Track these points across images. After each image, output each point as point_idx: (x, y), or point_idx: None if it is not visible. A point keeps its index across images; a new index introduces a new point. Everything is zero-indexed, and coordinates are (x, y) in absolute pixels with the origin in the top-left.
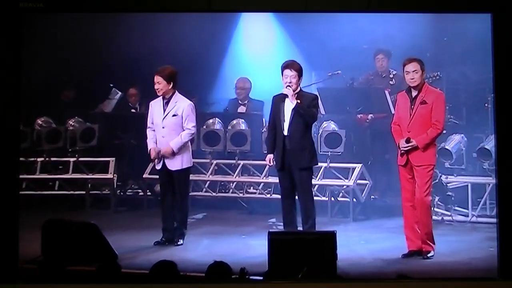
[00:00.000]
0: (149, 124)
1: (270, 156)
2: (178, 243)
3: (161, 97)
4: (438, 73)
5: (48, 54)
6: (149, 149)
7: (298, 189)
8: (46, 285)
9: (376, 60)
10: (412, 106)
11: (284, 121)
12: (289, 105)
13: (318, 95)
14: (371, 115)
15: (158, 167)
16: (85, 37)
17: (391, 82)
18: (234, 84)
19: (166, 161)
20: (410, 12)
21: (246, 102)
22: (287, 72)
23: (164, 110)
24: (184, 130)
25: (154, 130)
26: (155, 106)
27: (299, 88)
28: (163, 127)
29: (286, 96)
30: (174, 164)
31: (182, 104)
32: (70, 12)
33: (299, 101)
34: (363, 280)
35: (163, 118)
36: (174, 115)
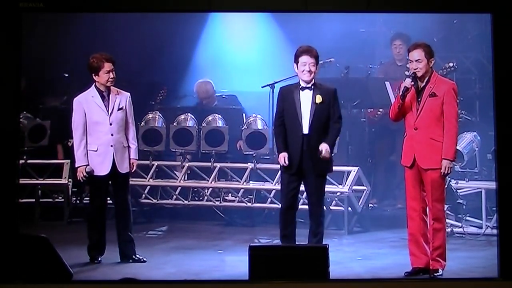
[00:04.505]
0: (77, 126)
1: (284, 154)
2: (144, 259)
3: (94, 90)
4: (454, 63)
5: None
6: (80, 165)
7: (312, 198)
8: (46, 285)
9: (392, 46)
10: (419, 99)
11: (302, 117)
12: (306, 98)
13: None
14: (381, 109)
15: (105, 172)
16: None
17: (406, 73)
18: (194, 90)
19: (117, 163)
20: (410, 12)
21: (214, 104)
22: (307, 59)
23: (107, 105)
24: (127, 125)
25: (83, 133)
26: (89, 102)
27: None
28: (110, 124)
29: (300, 87)
30: (124, 167)
31: (123, 95)
32: (70, 12)
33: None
34: (360, 281)
35: (110, 114)
36: (120, 109)
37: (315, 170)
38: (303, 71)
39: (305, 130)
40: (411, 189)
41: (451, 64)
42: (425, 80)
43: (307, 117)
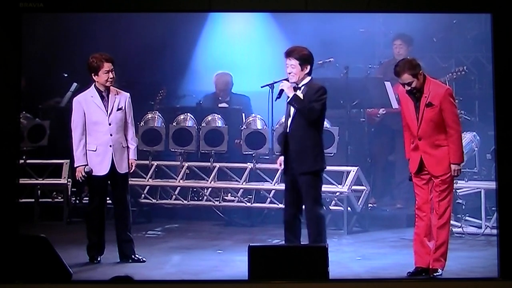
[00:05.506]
0: (77, 125)
1: (281, 158)
2: (143, 259)
3: (94, 90)
4: (464, 67)
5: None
6: (80, 165)
7: (303, 198)
8: (46, 285)
9: (393, 46)
10: (418, 110)
11: (289, 116)
12: None
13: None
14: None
15: (104, 172)
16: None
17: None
18: (213, 81)
19: (116, 163)
20: (410, 12)
21: (227, 99)
22: (287, 61)
23: (106, 105)
24: (126, 125)
25: (82, 133)
26: (88, 102)
27: (308, 78)
28: (109, 124)
29: (294, 88)
30: (123, 167)
31: (123, 96)
32: (70, 12)
33: (297, 93)
34: (359, 281)
35: (109, 114)
36: (119, 109)
37: (300, 169)
38: (287, 73)
39: (288, 129)
40: (420, 192)
41: (461, 69)
42: (420, 91)
43: (291, 117)
